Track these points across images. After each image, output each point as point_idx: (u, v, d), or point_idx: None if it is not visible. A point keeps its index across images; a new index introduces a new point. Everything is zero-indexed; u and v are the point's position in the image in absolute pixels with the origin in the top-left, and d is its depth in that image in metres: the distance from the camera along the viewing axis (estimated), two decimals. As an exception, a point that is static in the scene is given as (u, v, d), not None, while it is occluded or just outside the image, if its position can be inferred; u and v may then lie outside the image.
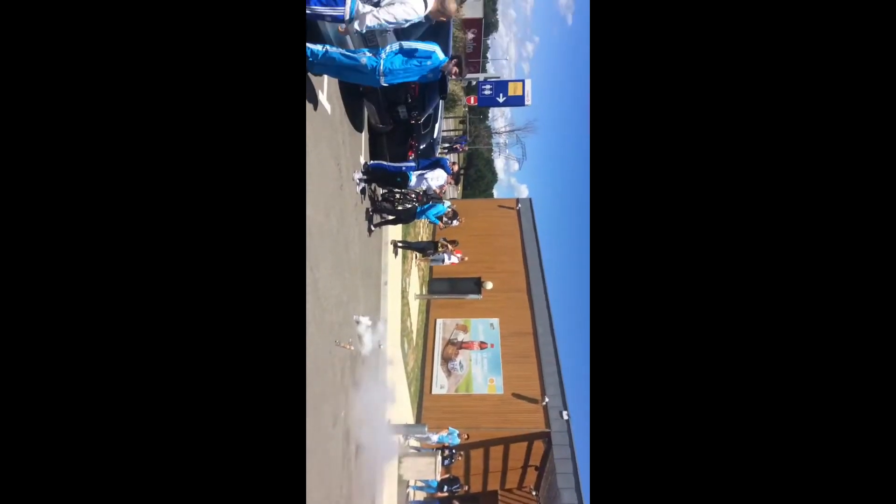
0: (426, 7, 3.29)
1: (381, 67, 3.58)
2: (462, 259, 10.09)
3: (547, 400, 11.09)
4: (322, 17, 3.26)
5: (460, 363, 11.91)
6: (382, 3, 3.19)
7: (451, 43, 5.70)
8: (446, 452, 9.30)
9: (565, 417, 10.83)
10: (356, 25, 3.24)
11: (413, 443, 9.13)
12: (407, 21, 3.28)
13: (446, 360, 11.96)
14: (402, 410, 8.78)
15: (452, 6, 3.46)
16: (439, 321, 12.56)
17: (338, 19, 3.25)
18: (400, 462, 8.61)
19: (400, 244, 9.09)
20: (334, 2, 3.19)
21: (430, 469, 8.68)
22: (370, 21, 3.20)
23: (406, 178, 6.22)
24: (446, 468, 9.40)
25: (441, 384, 11.58)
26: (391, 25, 3.31)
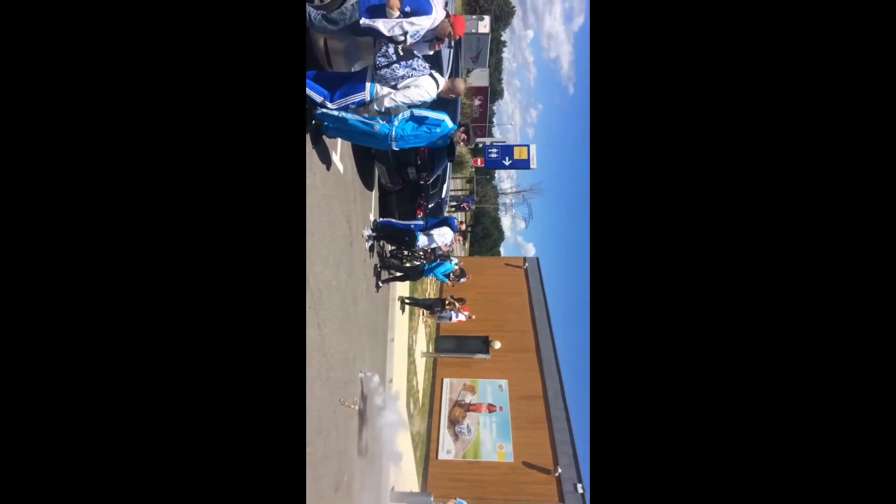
0: (438, 88, 3.56)
1: (394, 133, 3.80)
2: (469, 317, 10.00)
3: (560, 471, 10.46)
4: (347, 106, 3.54)
5: (468, 427, 11.41)
6: (399, 86, 3.47)
7: (459, 111, 6.05)
8: (453, 526, 8.66)
9: (580, 491, 10.14)
10: (375, 105, 3.52)
11: (418, 514, 8.55)
12: (421, 101, 3.57)
13: (453, 422, 11.48)
14: (407, 477, 8.32)
15: (462, 86, 3.77)
16: (446, 381, 12.20)
17: (360, 103, 3.53)
18: (403, 535, 8.01)
19: (407, 301, 9.09)
20: (354, 89, 3.48)
21: (435, 544, 8.05)
22: (388, 102, 3.50)
23: (414, 239, 6.33)
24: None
25: (448, 449, 11.03)
26: (406, 105, 3.59)
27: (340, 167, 4.95)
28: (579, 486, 10.21)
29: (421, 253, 7.89)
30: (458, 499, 8.91)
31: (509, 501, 10.23)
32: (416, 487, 9.39)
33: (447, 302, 9.49)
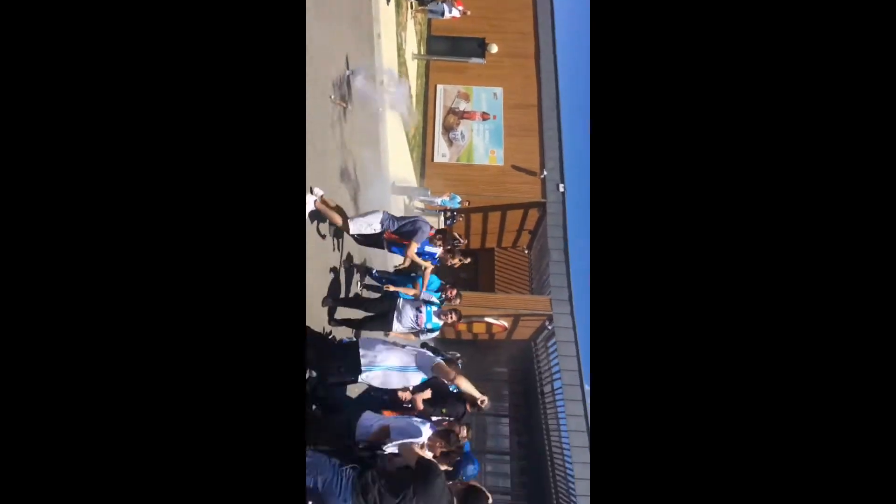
0: None
1: None
2: (464, 12, 8.83)
3: (545, 173, 11.34)
4: None
5: (462, 133, 11.76)
6: None
7: None
8: (448, 214, 10.07)
9: (561, 189, 11.27)
10: None
11: (418, 204, 9.79)
12: None
13: (447, 129, 11.77)
14: (405, 175, 9.09)
15: None
16: (440, 87, 11.86)
17: None
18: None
19: (392, -12, 7.77)
20: None
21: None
22: None
23: None
24: (448, 227, 10.33)
25: (443, 153, 11.69)
26: None
27: None
28: (561, 186, 11.34)
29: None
30: (452, 193, 10.04)
31: (498, 197, 11.58)
32: (415, 185, 10.42)
33: (439, -10, 8.15)
